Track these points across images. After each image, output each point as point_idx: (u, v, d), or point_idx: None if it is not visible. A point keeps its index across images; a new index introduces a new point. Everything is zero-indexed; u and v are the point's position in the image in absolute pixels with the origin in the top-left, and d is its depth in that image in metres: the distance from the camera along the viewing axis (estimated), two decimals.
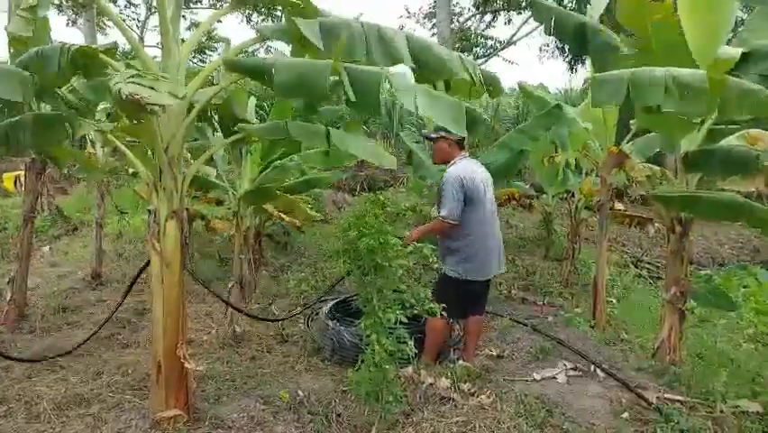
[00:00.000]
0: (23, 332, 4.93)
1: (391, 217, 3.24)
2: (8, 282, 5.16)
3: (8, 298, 5.10)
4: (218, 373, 3.91)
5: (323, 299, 5.37)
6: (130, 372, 3.93)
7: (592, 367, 4.20)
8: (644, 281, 7.98)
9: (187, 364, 3.15)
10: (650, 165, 4.62)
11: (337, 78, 2.74)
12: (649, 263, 9.23)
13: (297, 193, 5.98)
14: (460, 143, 4.11)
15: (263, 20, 18.39)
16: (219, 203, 7.87)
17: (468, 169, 3.97)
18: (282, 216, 6.16)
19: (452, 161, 4.06)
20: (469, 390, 3.55)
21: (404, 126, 14.90)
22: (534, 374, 4.08)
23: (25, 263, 5.22)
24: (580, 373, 4.17)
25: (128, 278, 5.74)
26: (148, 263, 4.60)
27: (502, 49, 17.62)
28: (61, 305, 5.44)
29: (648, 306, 6.25)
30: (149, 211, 3.18)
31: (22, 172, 11.92)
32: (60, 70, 2.83)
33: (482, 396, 3.47)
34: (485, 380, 3.75)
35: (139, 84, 2.44)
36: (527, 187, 7.81)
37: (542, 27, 4.52)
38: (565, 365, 4.24)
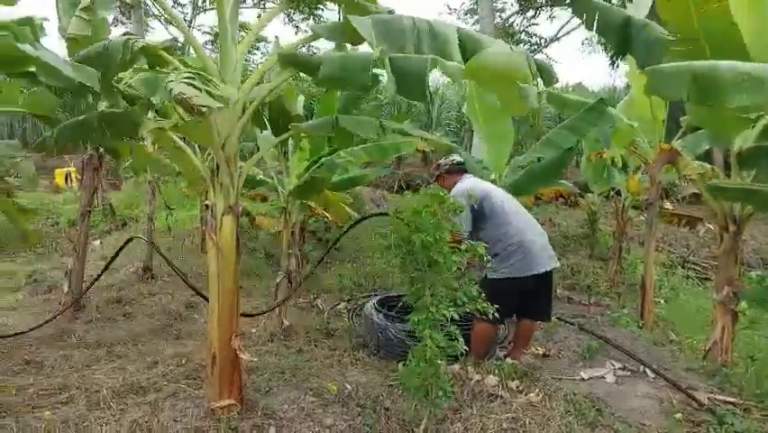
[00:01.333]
0: (81, 322, 5.12)
1: (449, 214, 3.24)
2: (65, 275, 5.36)
3: (66, 290, 5.30)
4: (268, 365, 3.98)
5: (367, 295, 5.42)
6: (184, 362, 4.04)
7: (641, 367, 4.15)
8: (692, 282, 7.79)
9: (241, 355, 3.23)
10: (701, 163, 4.52)
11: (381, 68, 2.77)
12: (696, 264, 9.00)
13: (340, 190, 6.05)
14: (457, 169, 4.34)
15: (304, 18, 18.58)
16: (264, 199, 8.03)
17: (470, 183, 4.16)
18: (324, 212, 6.23)
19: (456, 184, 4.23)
20: (517, 387, 3.54)
21: (442, 123, 14.89)
22: (582, 373, 4.05)
23: (82, 256, 5.41)
24: (629, 372, 4.11)
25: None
26: (128, 241, 4.73)
27: (545, 46, 17.37)
28: (115, 297, 5.63)
29: (697, 307, 6.12)
30: (206, 206, 3.27)
31: (73, 169, 12.34)
32: (122, 65, 2.93)
33: (531, 394, 3.46)
34: (532, 378, 3.72)
35: (191, 84, 2.50)
36: (571, 185, 7.71)
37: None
38: (613, 365, 4.19)
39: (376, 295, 4.92)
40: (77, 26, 4.18)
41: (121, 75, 3.30)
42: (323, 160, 5.04)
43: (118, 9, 18.95)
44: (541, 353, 4.43)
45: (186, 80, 2.53)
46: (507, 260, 3.89)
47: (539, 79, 3.07)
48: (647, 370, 4.11)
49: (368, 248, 7.37)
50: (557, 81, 3.15)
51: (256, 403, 3.39)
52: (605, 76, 56.07)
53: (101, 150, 5.24)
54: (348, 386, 3.67)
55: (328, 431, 3.13)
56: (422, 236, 2.91)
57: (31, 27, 3.53)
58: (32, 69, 2.83)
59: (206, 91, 2.52)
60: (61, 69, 2.58)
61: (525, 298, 3.99)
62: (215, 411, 3.20)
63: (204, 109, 2.51)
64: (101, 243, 8.72)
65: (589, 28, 4.27)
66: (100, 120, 3.15)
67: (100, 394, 3.48)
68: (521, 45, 17.64)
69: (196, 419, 3.19)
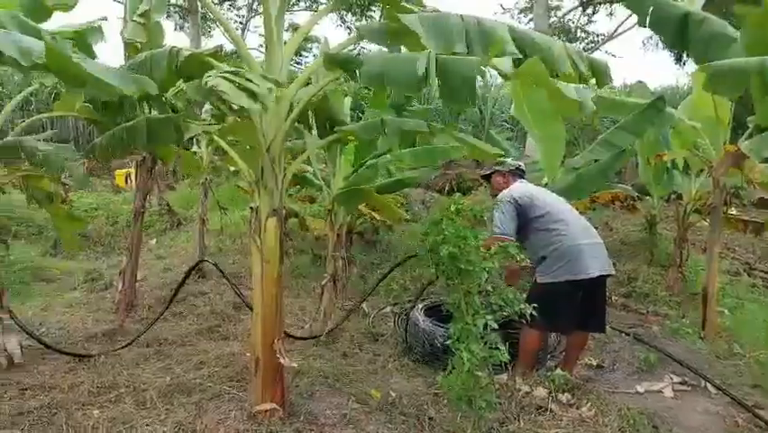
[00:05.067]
0: (133, 320, 5.25)
1: (471, 221, 3.15)
2: (119, 273, 5.51)
3: (119, 288, 5.45)
4: (312, 369, 3.97)
5: (412, 299, 5.34)
6: (229, 363, 4.07)
7: (702, 382, 3.94)
8: (759, 291, 7.35)
9: (282, 360, 3.21)
10: None
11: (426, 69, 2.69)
12: (764, 272, 8.50)
13: (388, 192, 5.99)
14: (514, 173, 4.22)
15: (357, 20, 18.67)
16: (312, 201, 8.07)
17: (520, 188, 4.03)
18: (373, 214, 6.19)
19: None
20: (568, 401, 3.39)
21: (495, 122, 14.62)
22: (638, 387, 3.87)
23: (135, 256, 5.55)
24: (689, 387, 3.92)
25: (227, 273, 6.00)
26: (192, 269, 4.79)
27: (603, 43, 16.85)
28: (167, 297, 5.75)
29: (763, 318, 5.74)
30: (250, 208, 3.27)
31: (132, 170, 12.79)
32: (169, 73, 2.97)
33: (582, 408, 3.31)
34: (584, 391, 3.57)
35: (228, 79, 2.48)
36: (629, 187, 7.41)
37: None
38: (672, 379, 4.00)
39: (422, 300, 4.83)
40: (134, 31, 4.29)
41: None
42: (369, 162, 5.00)
43: (177, 15, 19.62)
44: (594, 364, 4.25)
45: (223, 75, 2.52)
46: (557, 262, 3.72)
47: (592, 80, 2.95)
48: (709, 385, 3.90)
49: (414, 252, 7.28)
50: (611, 81, 3.00)
51: (299, 408, 3.38)
52: (669, 72, 53.98)
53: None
54: (392, 393, 3.62)
55: None
56: (448, 247, 2.83)
57: (85, 34, 3.62)
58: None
59: (243, 88, 2.50)
60: (104, 79, 2.61)
61: (579, 306, 3.79)
62: (258, 415, 3.20)
63: (235, 106, 2.49)
64: (156, 242, 8.97)
65: (642, 24, 4.06)
66: (147, 126, 3.20)
67: (147, 394, 3.54)
68: (577, 43, 17.22)
69: (239, 422, 3.19)
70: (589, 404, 3.37)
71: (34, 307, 5.62)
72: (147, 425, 3.12)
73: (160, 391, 3.57)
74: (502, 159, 4.20)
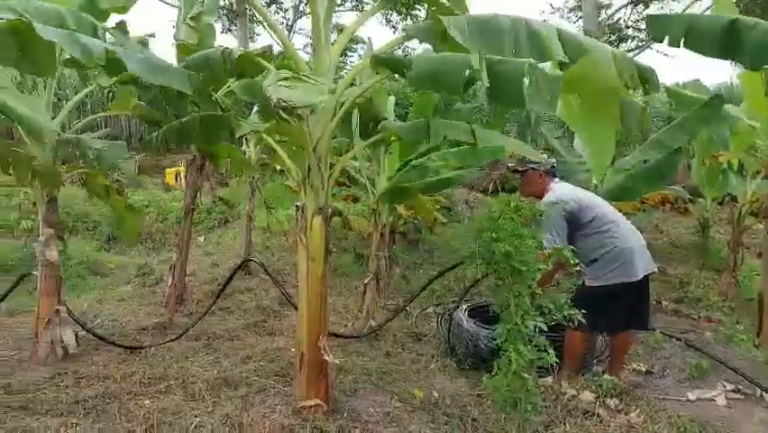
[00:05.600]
0: (182, 314, 5.40)
1: (527, 220, 3.09)
2: (170, 269, 5.68)
3: (170, 283, 5.61)
4: (355, 367, 4.00)
5: (455, 300, 5.31)
6: (275, 358, 4.14)
7: (758, 391, 3.79)
8: None
9: (326, 357, 3.25)
10: None
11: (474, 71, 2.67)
12: None
13: (431, 192, 5.98)
14: (549, 171, 3.98)
15: (402, 19, 18.67)
16: (355, 200, 8.12)
17: (564, 192, 3.84)
18: (411, 214, 6.18)
19: (547, 190, 3.91)
20: (615, 406, 3.32)
21: (542, 122, 14.36)
22: (689, 394, 3.76)
23: (185, 252, 5.70)
24: (743, 396, 3.79)
25: (272, 269, 6.12)
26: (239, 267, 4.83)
27: (655, 41, 16.32)
28: (215, 291, 5.89)
29: None
30: (296, 207, 3.32)
31: (182, 168, 13.13)
32: (222, 73, 3.05)
33: (631, 414, 3.23)
34: (633, 397, 3.48)
35: (288, 87, 2.52)
36: (681, 189, 7.19)
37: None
38: (725, 387, 3.87)
39: (466, 301, 4.80)
40: (185, 34, 4.40)
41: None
42: (413, 162, 5.00)
43: (226, 17, 20.03)
44: (643, 369, 4.15)
45: (282, 84, 2.56)
46: (610, 265, 3.65)
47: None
48: (765, 394, 3.75)
49: (459, 253, 7.23)
50: (658, 90, 2.91)
51: (342, 405, 3.41)
52: (723, 71, 52.01)
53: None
54: (435, 393, 3.62)
55: None
56: (502, 246, 2.79)
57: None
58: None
59: (303, 91, 2.53)
60: (152, 78, 2.70)
61: (627, 306, 3.74)
62: (303, 410, 3.24)
63: (299, 112, 2.54)
64: (205, 238, 9.19)
65: (674, 45, 3.77)
66: (200, 123, 3.29)
67: (196, 386, 3.63)
68: (627, 42, 16.78)
69: (284, 416, 3.24)
70: (638, 410, 3.29)
71: (89, 299, 5.84)
72: (195, 416, 3.19)
73: (208, 383, 3.66)
74: (540, 156, 4.04)
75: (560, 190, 3.88)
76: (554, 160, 4.22)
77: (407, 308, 5.53)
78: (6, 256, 7.08)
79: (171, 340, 4.54)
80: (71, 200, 8.97)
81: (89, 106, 13.44)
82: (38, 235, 4.20)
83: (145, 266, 7.28)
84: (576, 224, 3.72)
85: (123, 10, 3.76)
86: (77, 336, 4.32)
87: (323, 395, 3.29)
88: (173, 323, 5.10)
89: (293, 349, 3.86)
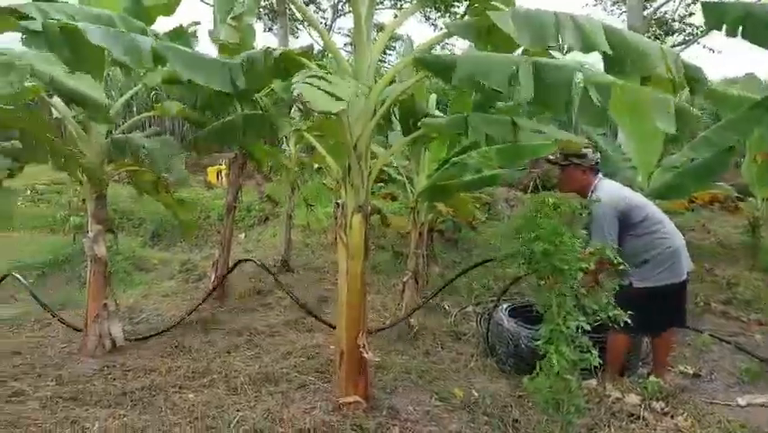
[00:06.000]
0: (224, 310, 5.49)
1: (567, 218, 3.02)
2: (212, 265, 5.78)
3: (212, 279, 5.71)
4: (395, 365, 4.00)
5: (494, 299, 5.25)
6: (314, 355, 4.17)
7: None
8: None
9: (365, 355, 3.26)
10: None
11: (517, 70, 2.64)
12: None
13: (471, 190, 5.92)
14: (593, 168, 3.79)
15: (440, 16, 18.57)
16: (393, 199, 8.12)
17: (611, 191, 3.67)
18: (450, 212, 6.13)
19: (590, 188, 3.74)
20: (662, 409, 3.22)
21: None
22: (739, 399, 3.62)
23: (227, 249, 5.80)
24: None
25: (312, 267, 6.16)
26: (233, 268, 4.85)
27: (702, 35, 15.78)
28: (255, 288, 5.97)
29: None
30: (336, 204, 3.34)
31: (223, 167, 13.37)
32: (265, 73, 3.08)
33: (678, 418, 3.13)
34: (680, 400, 3.38)
35: (313, 84, 2.51)
36: (729, 187, 6.95)
37: None
38: None
39: (506, 300, 4.74)
40: (227, 34, 4.49)
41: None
42: (453, 160, 4.96)
43: (267, 17, 20.30)
44: (690, 372, 4.03)
45: (307, 81, 2.55)
46: (661, 265, 3.56)
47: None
48: None
49: (499, 251, 7.15)
50: (706, 88, 2.81)
51: (381, 402, 3.41)
52: None
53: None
54: (475, 393, 3.58)
55: None
56: (542, 244, 2.74)
57: (184, 36, 3.82)
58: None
59: (327, 92, 2.52)
60: (196, 78, 2.74)
61: (673, 306, 3.68)
62: (342, 407, 3.25)
63: (315, 112, 2.53)
64: (245, 236, 9.33)
65: (731, 35, 3.61)
66: (243, 122, 3.33)
67: (238, 380, 3.69)
68: (674, 36, 16.28)
69: (324, 412, 3.26)
70: (685, 414, 3.19)
71: (135, 294, 6.00)
72: (238, 410, 3.24)
73: (249, 378, 3.72)
74: (585, 150, 3.79)
75: (608, 188, 3.72)
76: (599, 155, 4.08)
77: (446, 308, 5.50)
78: (57, 252, 7.33)
79: (215, 335, 4.61)
80: (116, 198, 9.22)
81: (134, 108, 13.78)
82: (87, 232, 4.33)
83: (188, 262, 7.44)
84: (626, 223, 3.58)
85: (170, 11, 3.84)
86: (123, 329, 4.45)
87: (362, 392, 3.30)
88: (215, 318, 5.19)
89: (332, 346, 3.88)
